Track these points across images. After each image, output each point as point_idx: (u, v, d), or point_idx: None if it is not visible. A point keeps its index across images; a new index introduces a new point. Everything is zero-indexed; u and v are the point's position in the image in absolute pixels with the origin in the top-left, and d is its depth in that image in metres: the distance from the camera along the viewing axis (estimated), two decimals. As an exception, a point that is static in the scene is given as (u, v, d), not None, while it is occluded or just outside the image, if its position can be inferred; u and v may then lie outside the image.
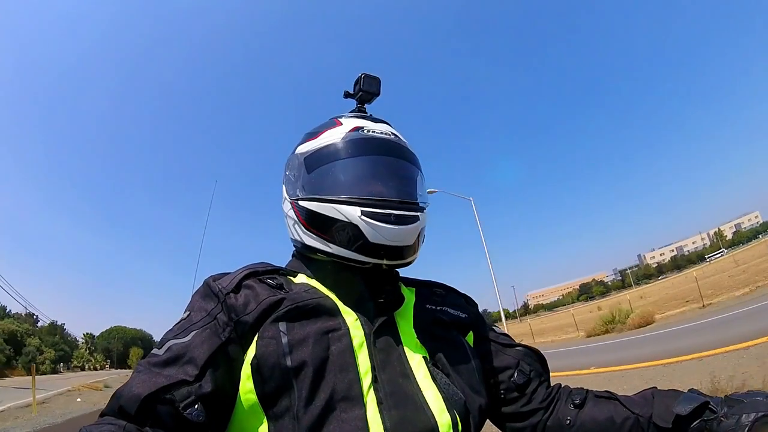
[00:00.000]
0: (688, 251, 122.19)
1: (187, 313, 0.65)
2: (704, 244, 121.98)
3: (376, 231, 0.65)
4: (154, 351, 0.61)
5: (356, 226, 0.65)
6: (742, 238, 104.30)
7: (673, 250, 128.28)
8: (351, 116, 0.78)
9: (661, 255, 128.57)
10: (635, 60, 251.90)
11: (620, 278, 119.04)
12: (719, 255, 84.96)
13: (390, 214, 0.66)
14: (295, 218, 0.73)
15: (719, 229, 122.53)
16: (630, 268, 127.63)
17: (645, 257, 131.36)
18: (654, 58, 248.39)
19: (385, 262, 0.67)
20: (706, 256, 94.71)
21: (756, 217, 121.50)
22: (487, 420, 0.76)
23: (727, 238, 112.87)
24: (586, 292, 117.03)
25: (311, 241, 0.71)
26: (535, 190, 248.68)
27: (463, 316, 0.77)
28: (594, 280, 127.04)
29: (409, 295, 0.75)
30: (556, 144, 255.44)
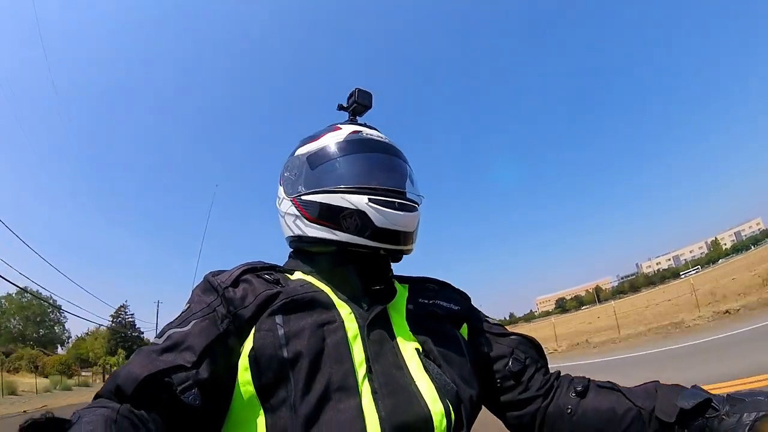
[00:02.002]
0: (686, 260, 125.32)
1: (188, 305, 0.68)
2: (702, 253, 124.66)
3: (383, 216, 0.69)
4: (155, 340, 0.62)
5: (364, 213, 0.69)
6: (739, 246, 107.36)
7: (669, 260, 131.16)
8: (349, 123, 0.85)
9: (657, 264, 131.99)
10: (635, 66, 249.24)
11: (615, 287, 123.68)
12: (694, 272, 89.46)
13: (394, 202, 0.71)
14: (297, 214, 0.76)
15: (716, 238, 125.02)
16: (627, 277, 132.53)
17: (642, 266, 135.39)
18: (654, 64, 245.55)
19: (388, 246, 0.72)
20: (681, 273, 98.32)
21: (758, 224, 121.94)
22: (491, 414, 0.80)
23: (725, 247, 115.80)
24: (562, 306, 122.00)
25: (315, 232, 0.74)
26: (550, 190, 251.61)
27: (456, 308, 0.79)
28: (597, 286, 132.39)
29: (402, 291, 0.78)
30: (580, 139, 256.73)
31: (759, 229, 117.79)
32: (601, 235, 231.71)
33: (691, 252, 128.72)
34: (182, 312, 0.67)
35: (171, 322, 0.65)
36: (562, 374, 0.80)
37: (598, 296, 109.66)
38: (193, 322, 0.62)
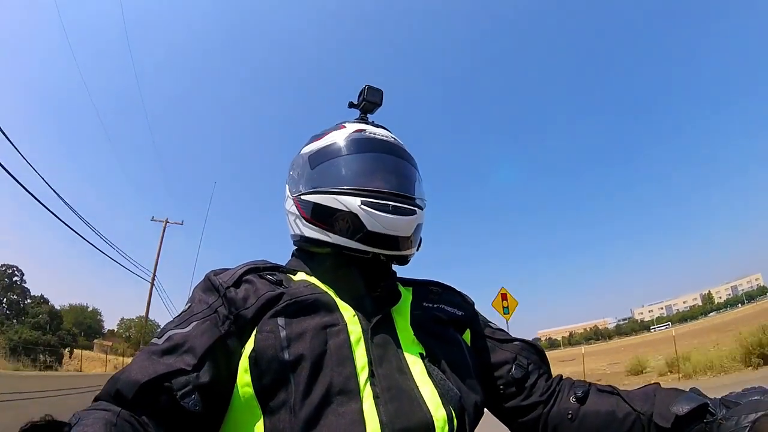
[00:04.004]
0: (678, 310, 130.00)
1: (188, 305, 0.67)
2: (696, 304, 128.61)
3: (375, 220, 0.67)
4: (154, 340, 0.61)
5: (356, 215, 0.68)
6: (732, 301, 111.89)
7: (662, 308, 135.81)
8: (355, 121, 0.84)
9: (650, 312, 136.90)
10: (645, 109, 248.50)
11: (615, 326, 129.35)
12: (664, 327, 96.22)
13: (388, 205, 0.69)
14: (297, 213, 0.76)
15: (709, 291, 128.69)
16: (623, 320, 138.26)
17: (634, 311, 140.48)
18: (666, 112, 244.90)
19: (382, 251, 0.70)
20: (651, 327, 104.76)
21: (757, 279, 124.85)
22: (497, 419, 0.80)
23: (718, 300, 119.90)
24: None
25: (311, 232, 0.73)
26: (573, 221, 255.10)
27: (460, 313, 0.78)
28: (596, 326, 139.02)
29: (406, 294, 0.77)
30: (593, 176, 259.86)
31: (757, 285, 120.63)
32: (620, 271, 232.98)
33: (684, 303, 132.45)
34: (182, 312, 0.66)
35: (171, 322, 0.64)
36: (563, 378, 0.80)
37: (570, 341, 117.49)
38: (194, 323, 0.62)
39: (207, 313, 0.63)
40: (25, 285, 30.90)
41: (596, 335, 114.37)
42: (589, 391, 0.73)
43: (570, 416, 0.71)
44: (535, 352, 0.81)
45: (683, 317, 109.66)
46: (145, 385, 0.54)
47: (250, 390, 0.58)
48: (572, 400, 0.73)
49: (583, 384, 0.76)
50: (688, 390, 0.66)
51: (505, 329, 0.85)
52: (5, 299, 29.32)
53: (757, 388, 0.61)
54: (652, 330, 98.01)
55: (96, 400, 0.56)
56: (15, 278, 30.62)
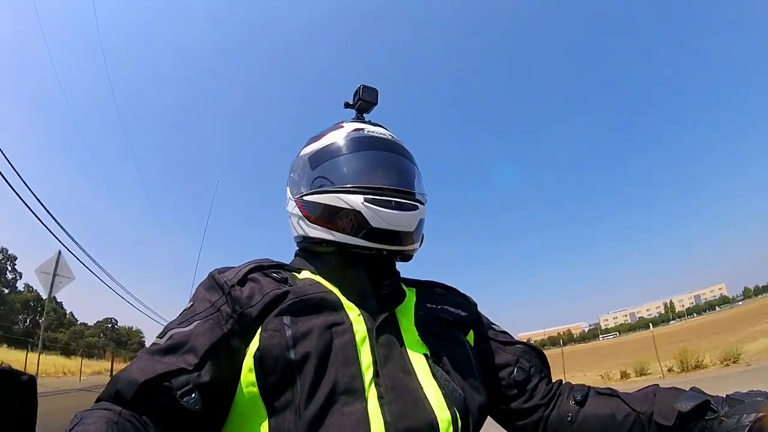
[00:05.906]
0: (641, 317, 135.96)
1: (191, 303, 0.67)
2: (658, 312, 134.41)
3: (378, 216, 0.68)
4: (156, 340, 0.62)
5: (359, 212, 0.68)
6: (692, 310, 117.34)
7: (626, 316, 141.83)
8: (352, 121, 0.85)
9: (614, 318, 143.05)
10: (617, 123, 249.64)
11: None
12: (611, 336, 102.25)
13: (391, 201, 0.69)
14: (300, 214, 0.76)
15: (671, 300, 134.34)
16: (592, 326, 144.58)
17: (600, 319, 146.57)
18: (650, 118, 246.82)
19: (386, 247, 0.70)
20: (600, 336, 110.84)
21: (720, 288, 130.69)
22: (495, 422, 0.80)
23: (680, 309, 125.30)
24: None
25: (315, 232, 0.74)
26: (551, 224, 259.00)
27: (464, 314, 0.78)
28: (569, 330, 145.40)
29: (410, 295, 0.77)
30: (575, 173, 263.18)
31: (720, 294, 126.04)
32: (600, 276, 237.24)
33: (648, 311, 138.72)
34: (185, 310, 0.66)
35: (173, 321, 0.64)
36: (563, 383, 0.81)
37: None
38: (196, 322, 0.62)
39: (210, 312, 0.63)
40: (117, 327, 55.20)
41: (552, 342, 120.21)
42: (588, 394, 0.74)
43: (570, 419, 0.72)
44: (536, 355, 0.81)
45: (632, 327, 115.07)
46: (144, 384, 0.54)
47: (255, 389, 0.58)
48: (572, 403, 0.74)
49: (582, 387, 0.77)
50: (688, 389, 0.67)
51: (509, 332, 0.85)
52: (108, 337, 54.00)
53: (763, 391, 0.62)
54: (602, 338, 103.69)
55: (98, 400, 0.56)
56: (113, 324, 55.11)
